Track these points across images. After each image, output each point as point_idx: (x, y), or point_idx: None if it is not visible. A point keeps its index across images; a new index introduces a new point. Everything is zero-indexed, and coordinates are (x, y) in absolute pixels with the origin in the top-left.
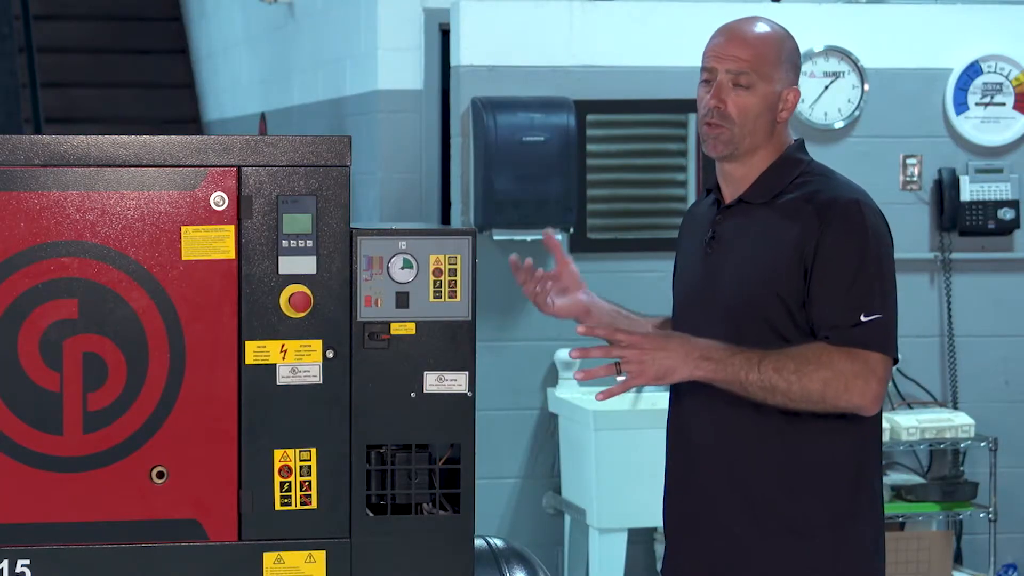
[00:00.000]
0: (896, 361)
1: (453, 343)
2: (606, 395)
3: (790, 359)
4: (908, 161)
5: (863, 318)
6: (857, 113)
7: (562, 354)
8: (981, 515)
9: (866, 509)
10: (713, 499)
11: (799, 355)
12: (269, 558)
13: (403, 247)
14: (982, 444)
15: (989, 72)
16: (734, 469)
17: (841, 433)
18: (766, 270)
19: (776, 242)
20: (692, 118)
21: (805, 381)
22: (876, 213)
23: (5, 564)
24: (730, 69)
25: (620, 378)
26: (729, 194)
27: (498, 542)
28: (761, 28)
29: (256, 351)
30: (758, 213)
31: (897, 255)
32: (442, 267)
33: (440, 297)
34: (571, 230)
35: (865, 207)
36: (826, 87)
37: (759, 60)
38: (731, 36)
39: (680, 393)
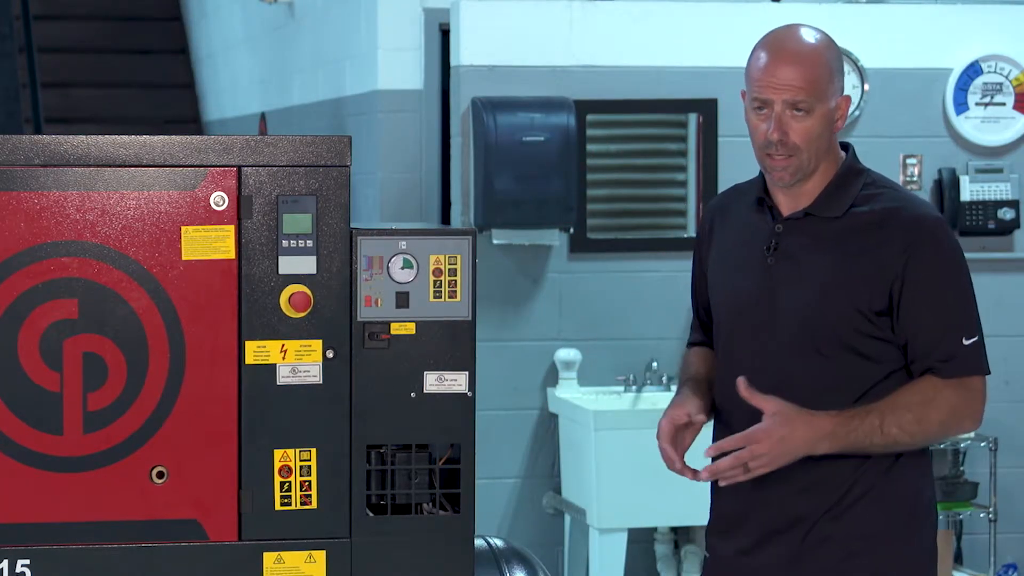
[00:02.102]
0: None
1: (453, 343)
2: (729, 482)
3: (908, 410)
4: (908, 161)
5: (965, 342)
6: (857, 113)
7: (562, 354)
8: (981, 515)
9: (931, 515)
10: (772, 506)
11: (914, 402)
12: (269, 558)
13: (403, 247)
14: (982, 444)
15: (989, 72)
16: (800, 482)
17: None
18: (848, 285)
19: (857, 257)
20: (692, 118)
21: (926, 427)
22: (951, 228)
23: (5, 564)
24: (787, 99)
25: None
26: (788, 205)
27: (498, 542)
28: (807, 43)
29: (256, 351)
30: (831, 227)
31: None
32: (442, 267)
33: (440, 297)
34: (571, 230)
35: (945, 225)
36: None
37: (814, 83)
38: (781, 59)
39: (733, 409)
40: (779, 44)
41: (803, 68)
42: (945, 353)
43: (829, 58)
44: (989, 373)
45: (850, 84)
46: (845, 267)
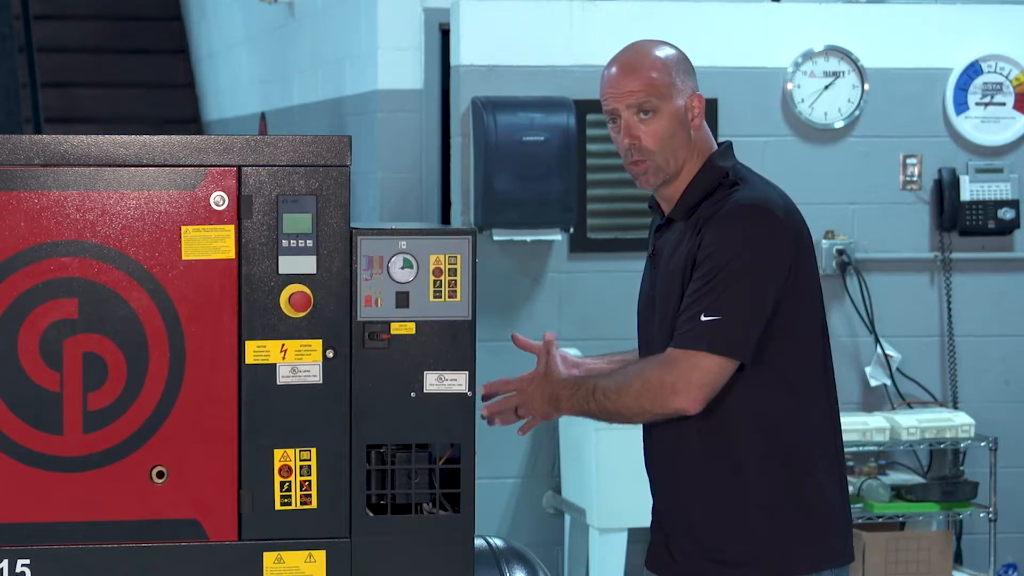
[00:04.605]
0: (740, 364)
1: (453, 343)
2: (524, 430)
3: (613, 380)
4: (908, 161)
5: (703, 318)
6: (857, 113)
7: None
8: (981, 515)
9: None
10: (658, 496)
11: (621, 374)
12: (269, 558)
13: (403, 247)
14: (982, 444)
15: (989, 72)
16: (671, 488)
17: (721, 453)
18: (675, 284)
19: (681, 256)
20: None
21: (624, 399)
22: (767, 216)
23: (5, 564)
24: (630, 103)
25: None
26: (666, 209)
27: (498, 542)
28: (641, 51)
29: (256, 351)
30: (680, 228)
31: (897, 255)
32: (442, 267)
33: (440, 297)
34: (571, 230)
35: (756, 211)
36: (826, 87)
37: (652, 84)
38: (618, 72)
39: None
40: (617, 58)
41: (638, 74)
42: (681, 327)
43: (665, 62)
44: (725, 356)
45: (850, 84)
46: (676, 270)
